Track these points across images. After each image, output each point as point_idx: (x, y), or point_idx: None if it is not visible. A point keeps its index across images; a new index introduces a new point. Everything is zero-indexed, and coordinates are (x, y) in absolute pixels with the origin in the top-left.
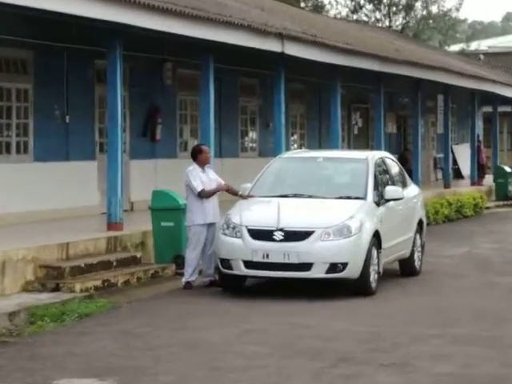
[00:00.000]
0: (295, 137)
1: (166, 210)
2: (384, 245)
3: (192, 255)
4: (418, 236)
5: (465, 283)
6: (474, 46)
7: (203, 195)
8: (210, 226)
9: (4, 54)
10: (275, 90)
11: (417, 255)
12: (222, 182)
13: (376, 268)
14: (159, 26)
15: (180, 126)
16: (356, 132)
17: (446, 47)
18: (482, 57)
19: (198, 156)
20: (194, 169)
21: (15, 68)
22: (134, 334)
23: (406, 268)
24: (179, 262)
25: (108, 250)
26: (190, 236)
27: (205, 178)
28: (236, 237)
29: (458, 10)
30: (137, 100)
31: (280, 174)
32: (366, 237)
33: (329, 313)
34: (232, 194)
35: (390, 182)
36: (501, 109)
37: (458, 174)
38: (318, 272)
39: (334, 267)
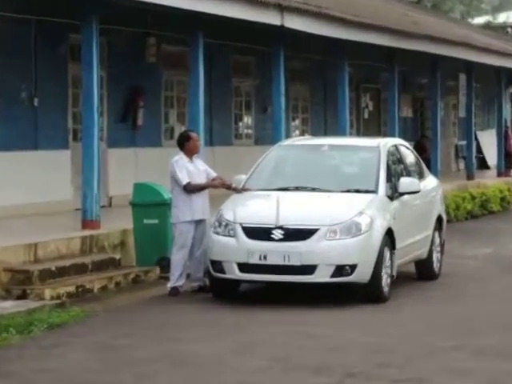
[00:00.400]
0: (297, 122)
1: (149, 206)
2: (398, 244)
3: (178, 257)
4: (436, 234)
5: (490, 288)
6: (501, 18)
7: (189, 189)
8: (199, 223)
9: None
10: (274, 70)
11: (435, 256)
12: (213, 174)
13: (389, 271)
14: None
15: (165, 110)
16: (366, 116)
17: (470, 19)
18: (510, 30)
19: (185, 144)
20: (180, 158)
21: None
22: (112, 346)
23: (424, 270)
24: (164, 264)
25: (83, 252)
26: (176, 235)
27: (192, 168)
28: (229, 236)
29: None
30: (116, 80)
31: (279, 164)
32: (378, 235)
33: (335, 322)
34: (224, 187)
35: (404, 173)
36: None
37: (482, 164)
38: (322, 275)
39: (340, 270)
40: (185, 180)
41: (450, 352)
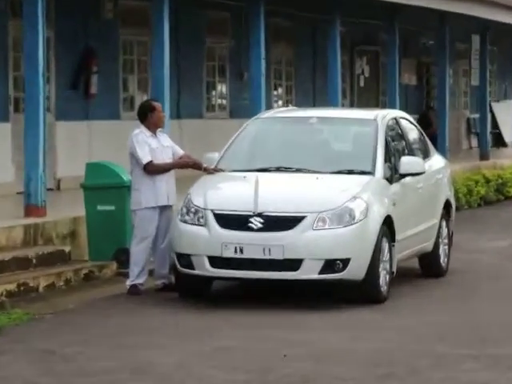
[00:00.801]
0: (279, 91)
1: (105, 189)
2: (398, 235)
3: (139, 249)
4: (443, 223)
5: (505, 288)
6: None
7: (151, 169)
8: (164, 210)
9: None
10: (252, 28)
11: (442, 249)
12: (180, 152)
13: (388, 266)
14: None
15: (124, 76)
16: (362, 84)
17: None
18: None
19: (147, 115)
20: (141, 132)
21: None
22: (60, 355)
23: (428, 266)
24: (122, 258)
25: (26, 243)
26: (136, 224)
27: (156, 145)
28: (199, 224)
29: None
30: (65, 41)
31: (258, 140)
32: (375, 224)
33: (324, 326)
34: (194, 167)
35: (406, 152)
36: None
37: (498, 141)
38: (309, 272)
39: (330, 265)
40: (146, 158)
41: (460, 362)
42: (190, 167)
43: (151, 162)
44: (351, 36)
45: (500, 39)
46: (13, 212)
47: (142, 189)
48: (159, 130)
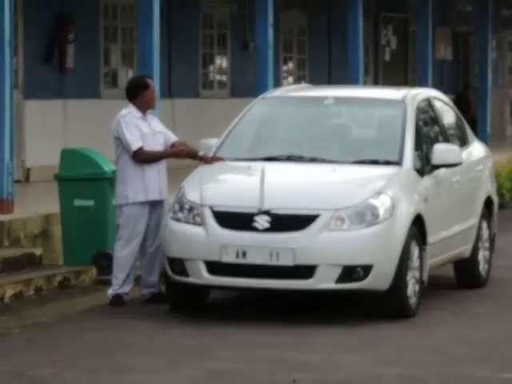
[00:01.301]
0: (290, 65)
1: (83, 181)
2: (430, 238)
3: (125, 253)
4: (484, 224)
5: None
6: None
7: (141, 158)
8: (155, 206)
9: None
10: None
11: (482, 255)
12: (174, 138)
13: (417, 275)
14: None
15: (105, 46)
16: (387, 58)
17: None
18: None
19: (139, 94)
20: (129, 114)
21: None
22: (29, 377)
23: (466, 275)
24: (103, 263)
25: None
26: (121, 222)
27: (147, 129)
28: (194, 224)
29: None
30: (35, 5)
31: (265, 123)
32: (402, 225)
33: (341, 345)
34: (189, 156)
35: (440, 138)
36: None
37: None
38: (324, 280)
39: (349, 273)
40: (136, 144)
41: None
42: (184, 157)
43: (142, 148)
44: (376, 0)
45: None
46: None
47: (129, 180)
48: (149, 111)
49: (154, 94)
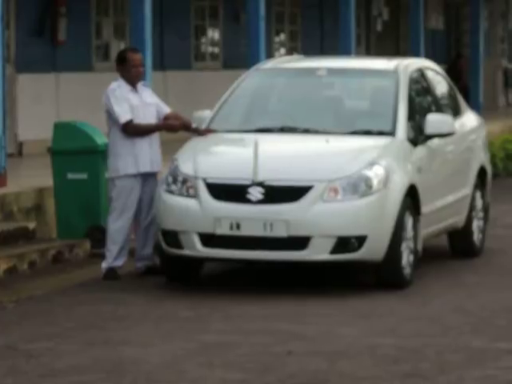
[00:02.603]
0: (282, 36)
1: (76, 154)
2: (424, 208)
3: (118, 226)
4: (478, 194)
5: None
6: None
7: (130, 131)
8: (147, 178)
9: None
10: None
11: (476, 224)
12: (166, 110)
13: (411, 245)
14: None
15: (97, 20)
16: (379, 28)
17: None
18: None
19: (120, 68)
20: (118, 87)
21: None
22: (25, 352)
23: (460, 244)
24: (97, 236)
25: None
26: (113, 195)
27: (137, 101)
28: (188, 196)
29: None
30: None
31: (258, 95)
32: (396, 195)
33: (336, 316)
34: (182, 128)
35: (433, 108)
36: None
37: None
38: (318, 251)
39: (343, 244)
40: (124, 117)
41: (497, 358)
42: (177, 129)
43: (131, 121)
44: None
45: None
46: None
47: (120, 153)
48: (142, 83)
49: (139, 68)
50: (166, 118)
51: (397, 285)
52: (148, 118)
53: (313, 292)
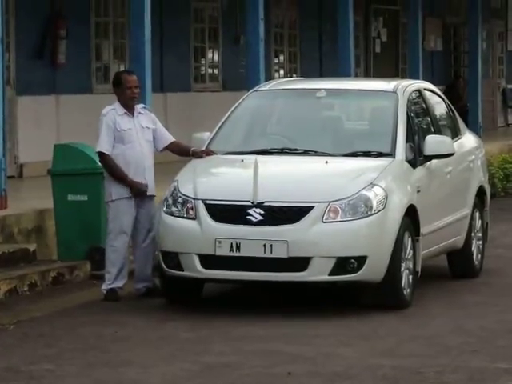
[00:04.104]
0: (281, 58)
1: (76, 176)
2: (423, 229)
3: (114, 248)
4: (477, 214)
5: None
6: None
7: (101, 162)
8: (143, 200)
9: None
10: None
11: (475, 245)
12: (169, 139)
13: (411, 265)
14: None
15: (97, 42)
16: (378, 50)
17: None
18: None
19: (115, 90)
20: (111, 111)
21: None
22: (25, 373)
23: (459, 265)
24: (97, 258)
25: None
26: (109, 217)
27: (129, 125)
28: (188, 217)
29: None
30: (28, 0)
31: (258, 117)
32: (395, 216)
33: (336, 337)
34: (180, 153)
35: (432, 129)
36: None
37: None
38: (318, 272)
39: (343, 265)
40: (102, 146)
41: (496, 378)
42: (142, 194)
43: (105, 154)
44: None
45: None
46: None
47: (111, 177)
48: (142, 106)
49: (134, 89)
50: (169, 146)
51: (396, 305)
52: (141, 140)
53: (312, 313)
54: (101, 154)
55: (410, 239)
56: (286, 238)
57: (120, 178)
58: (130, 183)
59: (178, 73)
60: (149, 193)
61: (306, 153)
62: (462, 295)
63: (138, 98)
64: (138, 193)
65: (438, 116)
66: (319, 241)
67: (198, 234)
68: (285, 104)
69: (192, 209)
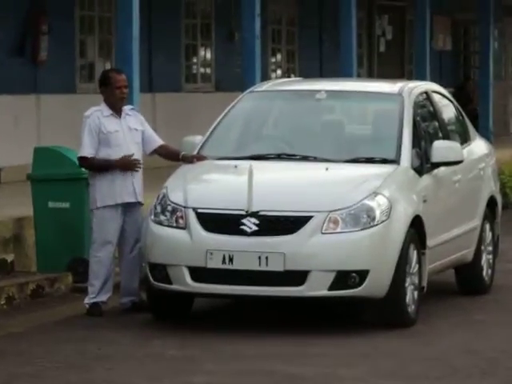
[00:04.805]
0: (279, 57)
1: (58, 182)
2: (430, 241)
3: (98, 258)
4: (487, 226)
5: None
6: None
7: (84, 166)
8: (130, 208)
9: None
10: None
11: (485, 259)
12: (158, 142)
13: (416, 280)
14: None
15: (81, 38)
16: (382, 49)
17: None
18: None
19: (102, 90)
20: (95, 112)
21: None
22: None
23: (468, 280)
24: (80, 269)
25: None
26: (93, 226)
27: (116, 126)
28: (177, 227)
29: None
30: None
31: (253, 120)
32: (400, 227)
33: (335, 356)
34: (169, 157)
35: (440, 135)
36: None
37: None
38: (316, 287)
39: (343, 279)
40: (85, 151)
41: None
42: (130, 169)
43: (86, 158)
44: None
45: None
46: None
47: (97, 183)
48: (130, 107)
49: (123, 89)
50: (157, 150)
51: (400, 323)
52: (129, 143)
53: (310, 330)
54: (83, 159)
55: (415, 252)
56: (282, 250)
57: (106, 166)
58: (117, 163)
59: (167, 72)
60: (135, 199)
61: (304, 159)
62: (470, 313)
63: (126, 99)
64: (129, 167)
65: (446, 120)
66: (318, 253)
67: (188, 245)
68: (282, 106)
69: (182, 218)
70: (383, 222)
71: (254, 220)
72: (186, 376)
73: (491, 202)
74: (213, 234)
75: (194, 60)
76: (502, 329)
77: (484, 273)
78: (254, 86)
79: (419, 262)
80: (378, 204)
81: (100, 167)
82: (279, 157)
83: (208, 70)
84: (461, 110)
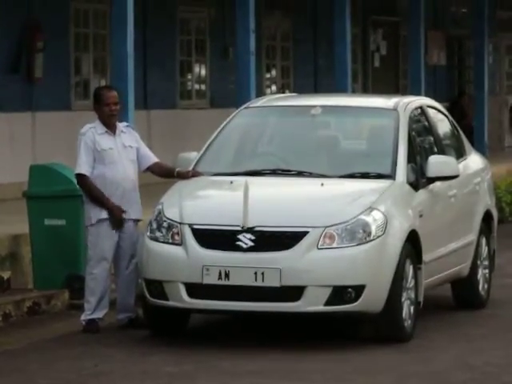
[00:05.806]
0: (274, 73)
1: (53, 199)
2: (426, 256)
3: (94, 275)
4: (483, 241)
5: None
6: None
7: (80, 184)
8: (125, 224)
9: None
10: None
11: (481, 273)
12: (153, 159)
13: (412, 295)
14: None
15: (76, 55)
16: (377, 64)
17: None
18: None
19: (95, 108)
20: (90, 129)
21: None
22: None
23: (464, 295)
24: (76, 286)
25: None
26: (89, 242)
27: (110, 144)
28: (173, 243)
29: None
30: (2, 10)
31: (248, 136)
32: (396, 242)
33: (331, 372)
34: (163, 174)
35: (435, 149)
36: None
37: None
38: (312, 302)
39: (340, 294)
40: (82, 168)
41: None
42: (120, 218)
43: (85, 176)
44: (364, 3)
45: None
46: None
47: (91, 200)
48: (125, 124)
49: (112, 106)
50: (151, 167)
51: (397, 338)
52: (124, 160)
53: (308, 346)
54: (79, 177)
55: (411, 267)
56: (278, 266)
57: (100, 200)
58: (111, 207)
59: (162, 88)
60: (133, 216)
61: (300, 174)
62: (466, 327)
63: (117, 116)
64: (116, 221)
65: (441, 135)
66: (314, 268)
67: (184, 261)
68: (277, 122)
69: (178, 234)
70: (379, 237)
71: (249, 236)
72: None
73: (487, 217)
74: (209, 250)
75: (189, 76)
76: (498, 344)
77: (480, 287)
78: (249, 102)
79: (415, 276)
80: (374, 219)
81: (95, 198)
82: (275, 172)
83: (203, 87)
84: (456, 124)
